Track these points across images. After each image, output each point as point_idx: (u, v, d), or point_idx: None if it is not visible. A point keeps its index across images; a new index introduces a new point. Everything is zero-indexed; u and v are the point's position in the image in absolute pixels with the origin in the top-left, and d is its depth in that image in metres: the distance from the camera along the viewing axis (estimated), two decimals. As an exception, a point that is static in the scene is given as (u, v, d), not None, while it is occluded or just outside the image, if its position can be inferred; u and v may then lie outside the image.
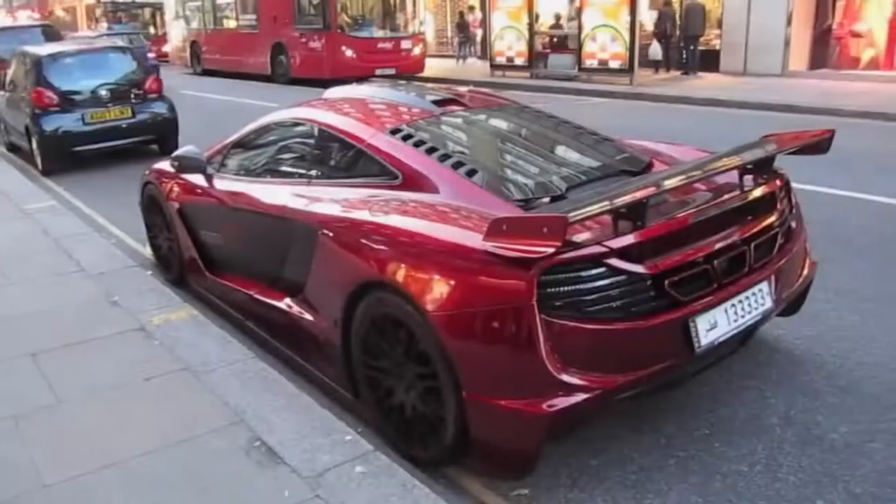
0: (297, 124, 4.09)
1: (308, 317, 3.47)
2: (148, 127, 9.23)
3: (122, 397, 3.40)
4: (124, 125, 9.04)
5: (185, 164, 4.45)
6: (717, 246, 2.78)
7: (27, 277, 5.02)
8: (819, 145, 3.31)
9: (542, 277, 2.47)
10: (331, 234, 3.25)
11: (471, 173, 3.16)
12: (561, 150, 3.64)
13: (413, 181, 3.25)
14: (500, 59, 17.38)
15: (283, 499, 2.64)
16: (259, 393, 3.35)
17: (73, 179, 8.67)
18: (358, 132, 3.62)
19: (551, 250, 2.34)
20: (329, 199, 3.43)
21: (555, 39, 16.63)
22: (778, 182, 3.20)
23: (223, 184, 4.34)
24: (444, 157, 3.28)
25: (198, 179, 4.53)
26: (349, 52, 16.76)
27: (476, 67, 19.70)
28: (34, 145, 8.97)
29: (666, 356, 2.68)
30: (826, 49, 15.40)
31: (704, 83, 14.60)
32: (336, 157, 3.76)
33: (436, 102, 3.89)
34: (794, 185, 3.43)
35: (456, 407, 2.67)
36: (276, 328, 3.84)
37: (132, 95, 9.19)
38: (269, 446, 2.95)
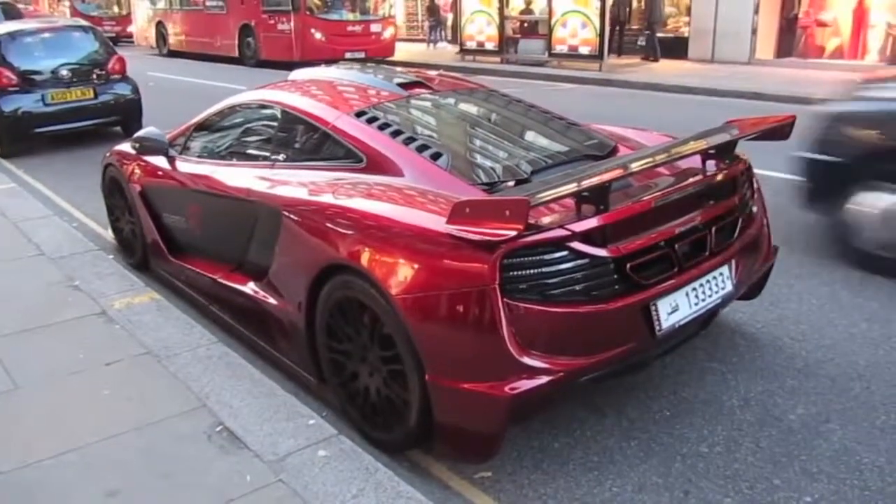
0: (261, 106, 4.03)
1: (272, 301, 3.43)
2: (111, 108, 9.02)
3: (82, 382, 3.34)
4: (86, 106, 8.83)
5: (147, 146, 4.37)
6: (679, 230, 2.81)
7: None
8: (780, 131, 3.35)
9: (505, 261, 2.47)
10: (295, 218, 3.22)
11: (435, 156, 3.15)
12: (528, 135, 3.64)
13: (377, 164, 3.23)
14: (471, 44, 17.32)
15: (246, 483, 2.62)
16: (222, 377, 3.32)
17: (34, 162, 8.46)
18: (323, 114, 3.58)
19: (513, 234, 2.34)
20: (293, 182, 3.39)
21: (525, 24, 16.61)
22: (739, 167, 3.23)
23: (186, 166, 4.27)
24: (409, 140, 3.26)
25: (160, 162, 4.45)
26: (318, 35, 16.57)
27: (446, 52, 19.61)
28: (-7, 127, 8.72)
29: (628, 339, 2.70)
30: (792, 38, 15.59)
31: (674, 70, 14.71)
32: (300, 139, 3.71)
33: (402, 85, 3.86)
34: (756, 171, 3.47)
35: (419, 390, 2.67)
36: (241, 312, 3.80)
37: (95, 76, 8.98)
38: (231, 431, 2.92)
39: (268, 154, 3.81)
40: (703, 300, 2.93)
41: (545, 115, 3.84)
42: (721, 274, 3.01)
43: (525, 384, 2.50)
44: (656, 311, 2.74)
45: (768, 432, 3.02)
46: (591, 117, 4.75)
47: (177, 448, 2.84)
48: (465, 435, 2.67)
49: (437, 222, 2.60)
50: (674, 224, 2.81)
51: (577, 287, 2.58)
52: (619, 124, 4.22)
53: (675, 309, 2.82)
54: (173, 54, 21.22)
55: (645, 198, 2.76)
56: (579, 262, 2.57)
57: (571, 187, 2.50)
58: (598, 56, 14.78)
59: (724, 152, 3.16)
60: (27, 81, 8.57)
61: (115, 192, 5.11)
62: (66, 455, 2.82)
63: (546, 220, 2.60)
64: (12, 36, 8.74)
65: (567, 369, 2.57)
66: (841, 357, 3.56)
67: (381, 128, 3.37)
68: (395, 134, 3.31)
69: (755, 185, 3.47)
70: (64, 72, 8.74)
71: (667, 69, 14.95)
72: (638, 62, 15.96)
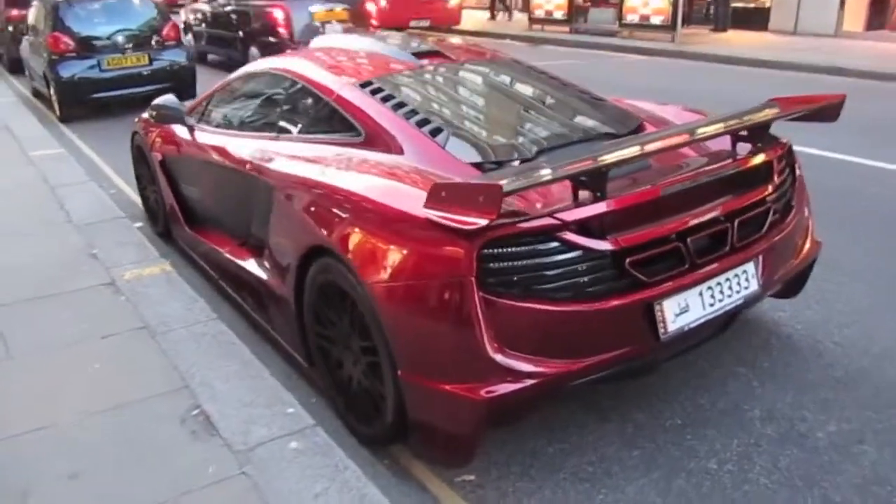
0: (273, 75, 3.86)
1: (269, 279, 3.29)
2: (165, 75, 9.09)
3: (74, 355, 3.29)
4: (141, 72, 8.92)
5: (163, 114, 4.27)
6: (693, 222, 2.49)
7: (13, 226, 4.96)
8: (828, 112, 2.95)
9: (485, 251, 2.23)
10: (286, 194, 3.05)
11: (435, 132, 2.91)
12: (543, 110, 3.34)
13: (375, 139, 3.01)
14: (539, 13, 16.79)
15: (208, 474, 2.50)
16: (212, 357, 3.21)
17: (89, 127, 8.62)
18: (327, 84, 3.38)
19: (484, 223, 2.10)
20: (288, 156, 3.22)
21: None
22: (776, 151, 2.87)
23: (201, 136, 4.16)
24: (411, 114, 3.03)
25: (178, 130, 4.37)
26: (383, 3, 16.35)
27: (515, 21, 19.09)
28: (52, 91, 8.93)
29: (625, 342, 2.43)
30: (885, 9, 14.42)
31: (751, 42, 13.84)
32: (305, 110, 3.53)
33: (417, 54, 3.61)
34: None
35: (393, 385, 2.48)
36: (245, 289, 3.68)
37: (150, 42, 9.06)
38: (207, 415, 2.80)
39: (273, 125, 3.65)
40: (721, 301, 2.61)
41: (568, 89, 3.52)
42: (745, 272, 2.68)
43: (503, 388, 2.27)
44: (661, 311, 2.45)
45: (790, 451, 2.69)
46: (657, 93, 4.36)
47: (149, 431, 2.74)
48: (439, 436, 2.46)
49: (416, 205, 2.38)
50: (688, 215, 2.50)
51: (568, 283, 2.31)
52: (685, 100, 3.84)
53: (685, 310, 2.51)
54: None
55: (652, 185, 2.45)
56: (571, 255, 2.30)
57: (558, 172, 2.22)
58: (670, 26, 14.05)
59: (758, 134, 2.79)
60: (84, 47, 8.71)
61: (140, 160, 5.08)
62: (41, 431, 2.76)
63: (536, 207, 2.34)
64: (70, 2, 8.87)
65: (553, 373, 2.32)
66: (889, 368, 3.16)
67: (385, 100, 3.14)
68: (398, 106, 3.09)
69: (797, 172, 3.09)
70: (120, 38, 8.84)
71: (744, 41, 14.08)
72: (707, 33, 15.11)
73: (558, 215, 2.28)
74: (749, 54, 12.29)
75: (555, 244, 2.29)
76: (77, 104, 8.83)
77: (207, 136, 4.10)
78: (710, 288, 2.58)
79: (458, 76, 3.55)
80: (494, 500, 2.54)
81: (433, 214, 2.27)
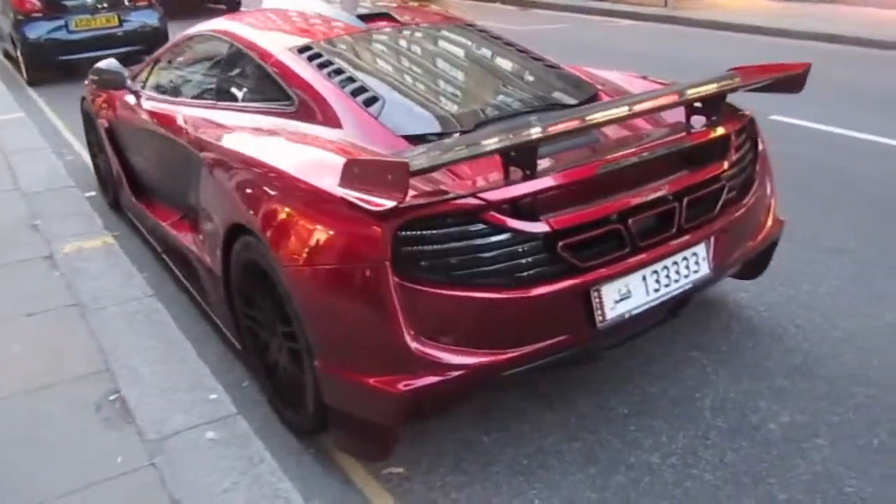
0: (212, 38, 3.64)
1: (203, 255, 3.12)
2: (136, 37, 8.79)
3: (-2, 334, 3.13)
4: (111, 34, 8.63)
5: (105, 79, 4.06)
6: (635, 202, 2.31)
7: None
8: (792, 82, 2.75)
9: (402, 233, 2.05)
10: (212, 166, 2.86)
11: (369, 102, 2.71)
12: (492, 79, 3.14)
13: (310, 109, 2.82)
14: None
15: (115, 465, 2.35)
16: (140, 337, 3.05)
17: (56, 90, 8.35)
18: (264, 48, 3.17)
19: (391, 204, 1.92)
20: (219, 125, 3.02)
21: (589, -45, 15.47)
22: (734, 124, 2.68)
23: (144, 102, 3.94)
24: (347, 82, 2.83)
25: (124, 96, 4.15)
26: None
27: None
28: (18, 54, 8.65)
29: (559, 331, 2.26)
30: (887, -26, 14.01)
31: (745, 6, 13.46)
32: (242, 76, 3.32)
33: (364, 17, 3.39)
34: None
35: (311, 373, 2.32)
36: (183, 265, 3.52)
37: (121, 3, 8.75)
38: (125, 401, 2.65)
39: (211, 92, 3.45)
40: (668, 286, 2.44)
41: (523, 56, 3.30)
42: (695, 255, 2.51)
43: (422, 381, 2.11)
44: (599, 298, 2.28)
45: (739, 444, 2.54)
46: (642, 59, 4.13)
47: (62, 417, 2.59)
48: (355, 428, 2.31)
49: (334, 183, 2.19)
50: (630, 194, 2.32)
51: (495, 268, 2.14)
52: (671, 68, 3.63)
53: (627, 296, 2.35)
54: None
55: (588, 162, 2.26)
56: (498, 237, 2.13)
57: (478, 147, 2.03)
58: (663, -10, 13.66)
59: (713, 106, 2.60)
60: (51, 7, 8.41)
61: (90, 127, 4.87)
62: (-55, 416, 2.62)
63: (461, 185, 2.16)
64: (35, -41, 8.54)
65: (478, 365, 2.16)
66: (851, 354, 3.00)
67: (321, 66, 2.94)
68: (334, 73, 2.88)
69: (759, 147, 2.90)
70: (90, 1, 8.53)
71: (738, 6, 13.69)
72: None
73: (483, 195, 2.09)
74: (743, 20, 11.93)
75: (480, 226, 2.11)
76: (44, 67, 8.55)
77: (149, 103, 3.88)
78: (654, 272, 2.41)
79: (406, 42, 3.33)
80: (421, 494, 2.40)
81: (347, 194, 2.09)
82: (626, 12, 13.31)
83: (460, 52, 3.33)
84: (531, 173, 2.13)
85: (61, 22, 8.40)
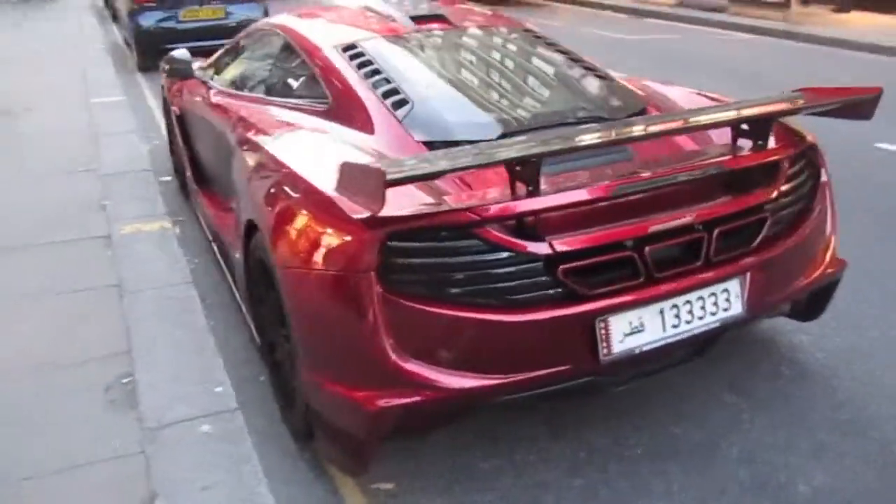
0: (270, 33, 3.67)
1: (234, 248, 3.14)
2: (239, 29, 9.07)
3: (32, 308, 3.25)
4: (216, 26, 8.99)
5: (174, 68, 4.19)
6: (653, 228, 2.12)
7: (40, 169, 5.05)
8: (860, 108, 2.47)
9: (392, 243, 1.96)
10: (241, 159, 2.87)
11: (398, 105, 2.64)
12: (535, 87, 2.99)
13: (340, 107, 2.78)
14: (645, -16, 15.81)
15: (108, 449, 2.38)
16: (167, 324, 3.10)
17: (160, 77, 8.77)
18: (311, 44, 3.16)
19: (366, 214, 1.83)
20: (255, 119, 3.03)
21: (707, -36, 14.84)
22: (787, 149, 2.43)
23: (205, 92, 4.04)
24: (382, 83, 2.77)
25: (192, 85, 4.27)
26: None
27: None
28: (132, 41, 9.16)
29: (556, 361, 2.11)
30: None
31: (872, 24, 12.50)
32: (290, 72, 3.32)
33: (416, 18, 3.32)
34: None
35: (299, 377, 2.27)
36: (224, 254, 3.57)
37: (227, -5, 9.11)
38: (135, 386, 2.70)
39: (262, 86, 3.48)
40: (689, 323, 2.24)
41: (573, 65, 3.14)
42: (725, 291, 2.29)
43: (402, 400, 2.02)
44: (605, 329, 2.11)
45: (759, 502, 2.30)
46: (746, 76, 3.86)
47: (71, 394, 2.67)
48: (336, 438, 2.23)
49: (332, 185, 2.12)
50: (648, 219, 2.13)
51: (488, 287, 2.02)
52: (778, 87, 3.34)
53: (639, 329, 2.16)
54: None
55: (601, 182, 2.09)
56: (492, 256, 2.00)
57: (462, 159, 1.91)
58: (785, 3, 12.90)
59: (762, 128, 2.35)
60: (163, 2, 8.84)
61: (168, 112, 5.05)
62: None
63: (458, 198, 2.05)
64: (154, -47, 9.01)
65: (465, 389, 2.04)
66: (909, 417, 2.68)
67: (361, 65, 2.89)
68: (372, 73, 2.83)
69: (821, 178, 2.62)
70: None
71: (866, 24, 12.73)
72: (826, 13, 13.77)
73: (477, 209, 1.97)
74: (867, 39, 11.08)
75: (473, 242, 1.99)
76: (154, 54, 8.98)
77: (211, 93, 3.97)
78: (675, 307, 2.21)
79: (452, 44, 3.23)
80: (406, 515, 2.31)
81: (338, 198, 2.02)
82: (744, 25, 12.62)
83: (507, 58, 3.20)
84: (534, 189, 1.99)
85: (172, 12, 8.83)
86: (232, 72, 3.93)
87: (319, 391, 2.15)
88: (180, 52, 4.27)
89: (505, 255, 2.00)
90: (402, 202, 1.99)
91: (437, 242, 1.99)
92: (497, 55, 3.22)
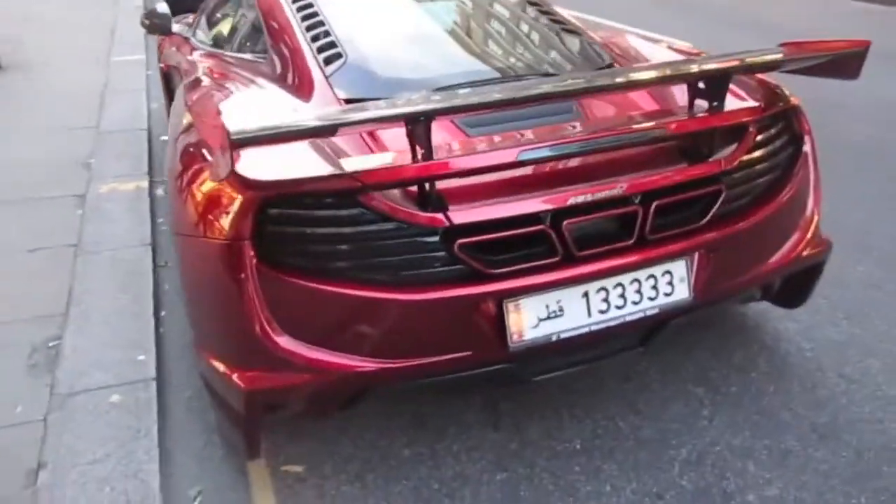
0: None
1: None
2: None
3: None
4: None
5: (153, 23, 4.04)
6: (572, 200, 1.86)
7: (39, 126, 5.02)
8: (845, 65, 2.12)
9: (272, 210, 1.77)
10: (173, 119, 2.72)
11: (330, 59, 2.43)
12: (489, 44, 2.71)
13: (275, 58, 2.59)
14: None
15: (12, 415, 2.30)
16: (111, 287, 3.00)
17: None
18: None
19: (215, 181, 1.64)
20: (196, 75, 2.86)
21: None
22: (756, 112, 2.11)
23: (182, 49, 3.89)
24: (321, 36, 2.55)
25: (175, 42, 4.14)
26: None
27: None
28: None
29: (457, 346, 1.89)
30: None
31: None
32: (247, 24, 3.13)
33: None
34: None
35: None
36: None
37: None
38: (61, 349, 2.61)
39: (223, 40, 3.32)
40: (622, 308, 1.98)
41: (544, 22, 2.84)
42: (667, 273, 2.02)
43: (278, 380, 1.84)
44: (515, 313, 1.88)
45: (697, 512, 2.06)
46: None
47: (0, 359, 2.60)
48: (226, 416, 2.06)
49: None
50: (567, 191, 1.87)
51: (376, 262, 1.81)
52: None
53: (557, 314, 1.92)
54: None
55: (506, 147, 1.84)
56: (380, 227, 1.79)
57: (338, 117, 1.69)
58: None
59: (716, 89, 2.04)
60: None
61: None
62: None
63: (358, 160, 1.83)
64: None
65: (348, 372, 1.85)
66: (892, 424, 2.35)
67: (306, 17, 2.68)
68: (313, 26, 2.62)
69: (803, 147, 2.29)
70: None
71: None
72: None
73: (361, 174, 1.75)
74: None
75: (359, 211, 1.78)
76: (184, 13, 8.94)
77: (185, 51, 3.82)
78: (602, 289, 1.95)
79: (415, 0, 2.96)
80: (307, 500, 2.14)
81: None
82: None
83: (470, 15, 2.92)
84: (426, 153, 1.75)
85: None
86: (205, 26, 3.77)
87: (206, 366, 2.00)
88: (161, 7, 4.12)
89: (393, 226, 1.78)
90: (290, 164, 1.80)
91: (321, 210, 1.78)
92: (460, 11, 2.94)
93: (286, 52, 2.56)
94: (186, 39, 3.95)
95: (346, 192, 1.75)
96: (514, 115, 2.08)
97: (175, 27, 4.11)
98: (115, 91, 5.87)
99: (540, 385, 2.48)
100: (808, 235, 2.32)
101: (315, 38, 2.55)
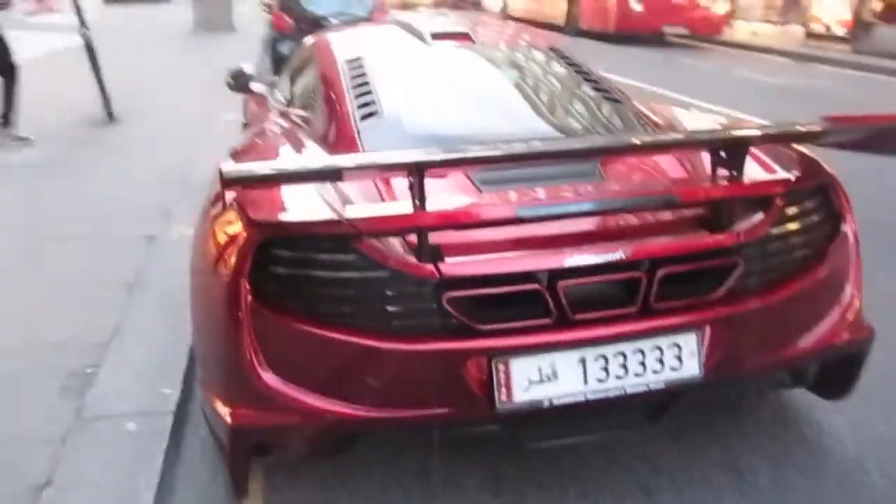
0: (308, 48, 3.69)
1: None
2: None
3: (51, 293, 3.40)
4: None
5: (237, 82, 4.34)
6: (571, 262, 1.82)
7: (134, 173, 5.41)
8: (887, 140, 2.01)
9: (273, 251, 1.83)
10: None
11: (367, 115, 2.53)
12: (524, 106, 2.73)
13: (319, 114, 2.74)
14: (817, 27, 14.63)
15: (34, 431, 2.42)
16: (156, 321, 3.15)
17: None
18: (329, 58, 3.12)
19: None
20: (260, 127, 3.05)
21: (890, 8, 13.44)
22: (777, 186, 2.02)
23: (261, 107, 4.14)
24: (363, 94, 2.67)
25: (257, 99, 4.41)
26: (636, 6, 15.41)
27: (790, 35, 16.88)
28: (272, 65, 9.77)
29: (442, 401, 1.86)
30: None
31: None
32: (311, 86, 3.31)
33: (437, 35, 3.19)
34: None
35: (200, 387, 2.19)
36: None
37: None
38: (97, 376, 2.74)
39: (292, 99, 3.51)
40: (621, 378, 1.90)
41: (584, 87, 2.85)
42: (676, 346, 1.92)
43: (264, 418, 1.87)
44: (504, 372, 1.83)
45: None
46: None
47: (32, 373, 2.74)
48: (218, 454, 2.09)
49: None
50: (565, 251, 1.83)
51: (367, 309, 1.82)
52: None
53: (550, 378, 1.86)
54: (510, 18, 21.72)
55: (505, 201, 1.83)
56: (372, 274, 1.81)
57: (327, 164, 1.74)
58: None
59: (736, 157, 1.97)
60: (300, 30, 9.35)
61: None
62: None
63: (344, 208, 1.87)
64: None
65: (334, 417, 1.85)
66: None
67: (354, 77, 2.81)
68: (359, 85, 2.74)
69: (841, 223, 2.16)
70: (333, 20, 9.35)
71: None
72: None
73: (357, 220, 1.79)
74: None
75: (352, 257, 1.81)
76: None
77: (264, 107, 4.07)
78: (601, 357, 1.88)
79: (461, 61, 3.03)
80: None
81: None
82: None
83: (511, 78, 2.97)
84: (420, 204, 1.77)
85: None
86: (282, 86, 4.00)
87: (204, 400, 2.05)
88: (247, 67, 4.42)
89: (385, 274, 1.79)
90: (294, 206, 1.87)
91: (316, 254, 1.83)
92: (501, 74, 3.00)
93: (329, 109, 2.69)
94: (265, 98, 4.20)
95: (342, 237, 1.79)
96: (534, 174, 2.08)
97: (257, 86, 4.37)
98: (211, 145, 6.25)
99: (551, 455, 2.39)
100: (846, 321, 2.16)
101: (358, 96, 2.66)
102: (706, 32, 15.68)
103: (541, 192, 1.94)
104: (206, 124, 7.06)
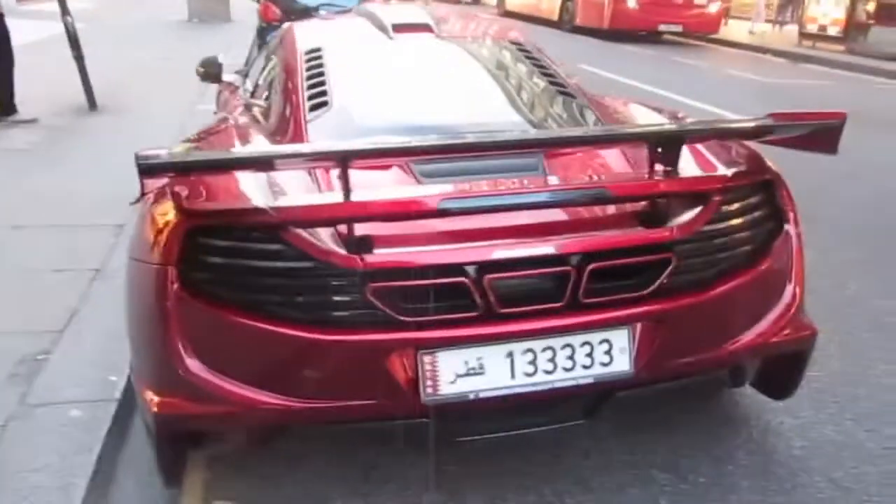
0: (278, 41, 3.68)
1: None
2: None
3: (15, 282, 3.41)
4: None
5: (207, 71, 4.32)
6: (496, 255, 1.81)
7: (111, 163, 5.30)
8: (822, 139, 1.99)
9: (201, 239, 1.82)
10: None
11: (316, 107, 2.52)
12: (473, 98, 2.72)
13: (272, 105, 2.73)
14: (812, 28, 14.60)
15: (-21, 421, 2.42)
16: (114, 311, 3.10)
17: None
18: (285, 51, 3.11)
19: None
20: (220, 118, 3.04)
21: (884, 8, 13.41)
22: (712, 182, 2.01)
23: (231, 97, 4.13)
24: (316, 86, 2.66)
25: (227, 88, 4.39)
26: (631, 3, 15.36)
27: (785, 34, 16.84)
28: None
29: (367, 393, 1.85)
30: None
31: None
32: (272, 76, 3.29)
33: (398, 26, 3.17)
34: None
35: (135, 375, 2.18)
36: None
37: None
38: (46, 363, 2.73)
39: (256, 88, 3.49)
40: (551, 373, 1.89)
41: (539, 80, 2.84)
42: (606, 341, 1.92)
43: (187, 407, 1.86)
44: (431, 365, 1.83)
45: None
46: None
47: (-12, 366, 2.74)
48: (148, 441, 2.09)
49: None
50: (493, 245, 1.83)
51: (293, 300, 1.82)
52: None
53: (477, 372, 1.85)
54: (508, 14, 21.66)
55: (429, 195, 1.82)
56: (298, 264, 1.80)
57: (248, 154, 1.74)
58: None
59: (671, 153, 1.96)
60: (289, 20, 9.31)
61: (222, 118, 5.24)
62: None
63: (267, 198, 1.86)
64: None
65: (256, 407, 1.84)
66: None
67: (310, 69, 2.80)
68: (312, 76, 2.73)
69: (783, 222, 2.15)
70: (322, 12, 9.31)
71: None
72: None
73: (283, 210, 1.78)
74: None
75: (279, 247, 1.80)
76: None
77: (233, 98, 4.05)
78: (529, 351, 1.88)
79: (417, 53, 3.01)
80: (226, 540, 2.12)
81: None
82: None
83: (464, 70, 2.95)
84: (346, 194, 1.76)
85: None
86: (252, 78, 3.99)
87: (136, 389, 2.04)
88: (212, 56, 4.40)
89: (311, 264, 1.78)
90: (224, 195, 1.87)
91: (245, 243, 1.82)
92: (457, 67, 2.98)
93: (284, 99, 2.68)
94: (236, 88, 4.19)
95: (271, 226, 1.78)
96: (477, 167, 2.07)
97: (229, 76, 4.36)
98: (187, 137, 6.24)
99: (494, 451, 2.38)
100: (785, 319, 2.15)
101: (310, 87, 2.65)
102: (703, 30, 15.67)
103: (473, 185, 1.93)
104: (190, 114, 7.04)
